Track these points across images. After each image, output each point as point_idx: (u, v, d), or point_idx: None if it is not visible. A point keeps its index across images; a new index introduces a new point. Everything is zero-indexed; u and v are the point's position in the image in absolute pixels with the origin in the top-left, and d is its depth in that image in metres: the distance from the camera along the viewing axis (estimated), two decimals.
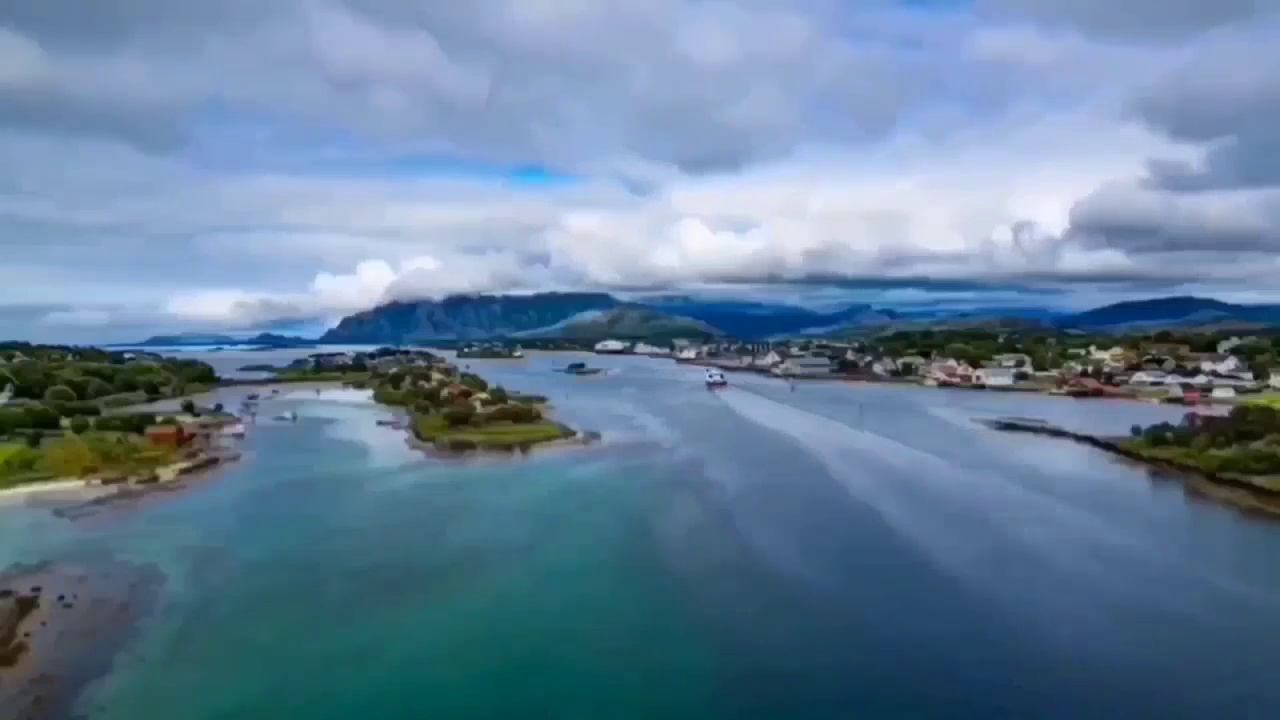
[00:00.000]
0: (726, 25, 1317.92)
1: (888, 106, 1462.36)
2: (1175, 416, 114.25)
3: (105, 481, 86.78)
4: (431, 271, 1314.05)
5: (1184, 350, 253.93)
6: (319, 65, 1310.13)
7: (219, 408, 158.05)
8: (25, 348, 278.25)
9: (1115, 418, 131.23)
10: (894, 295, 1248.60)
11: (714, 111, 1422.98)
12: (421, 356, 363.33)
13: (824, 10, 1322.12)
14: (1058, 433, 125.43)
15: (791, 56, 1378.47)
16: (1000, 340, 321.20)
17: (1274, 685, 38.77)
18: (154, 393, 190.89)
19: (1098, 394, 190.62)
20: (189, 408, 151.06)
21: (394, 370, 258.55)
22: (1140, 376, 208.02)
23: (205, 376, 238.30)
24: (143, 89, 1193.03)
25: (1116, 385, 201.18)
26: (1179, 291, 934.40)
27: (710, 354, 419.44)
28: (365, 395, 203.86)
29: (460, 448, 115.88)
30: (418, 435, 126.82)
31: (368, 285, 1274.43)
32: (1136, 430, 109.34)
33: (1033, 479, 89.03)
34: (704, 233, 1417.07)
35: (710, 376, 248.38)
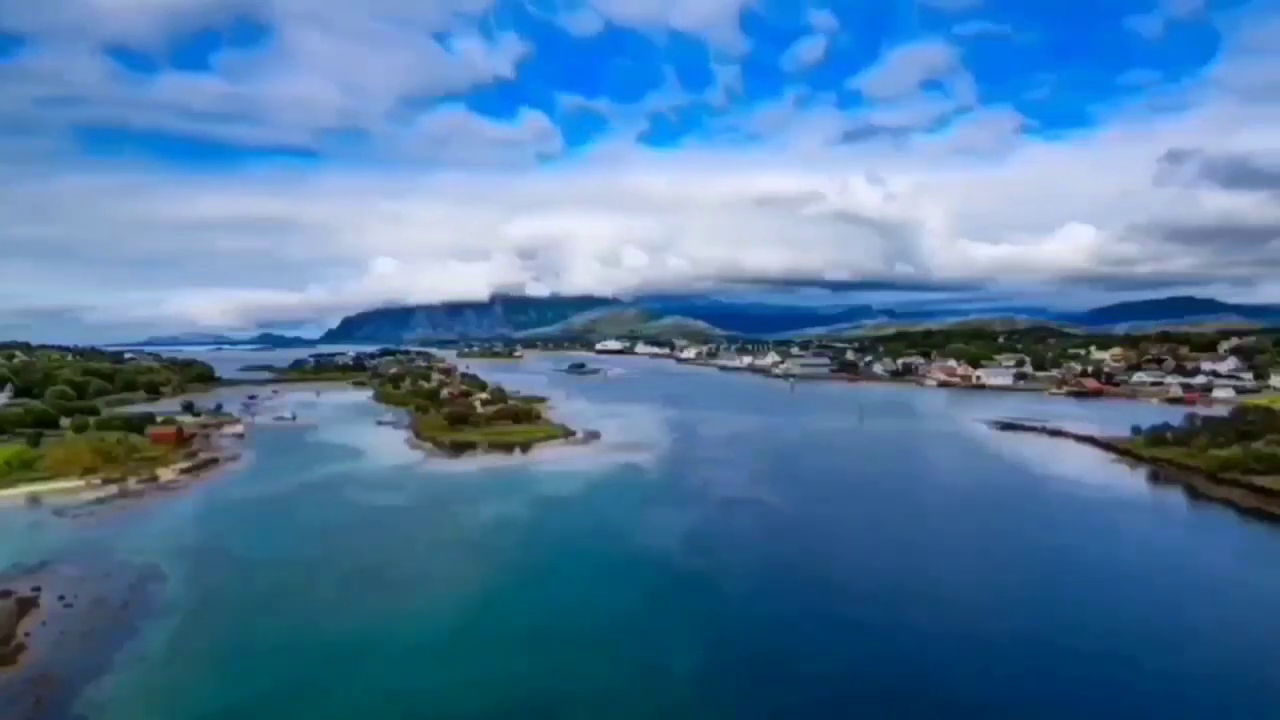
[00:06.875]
0: None
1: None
2: (1175, 416, 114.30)
3: (105, 481, 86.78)
4: (432, 271, 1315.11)
5: (1184, 350, 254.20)
6: None
7: (219, 408, 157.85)
8: (25, 348, 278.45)
9: (1115, 418, 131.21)
10: (894, 295, 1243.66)
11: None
12: (421, 356, 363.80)
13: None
14: (1057, 433, 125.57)
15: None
16: (1000, 340, 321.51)
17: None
18: (154, 393, 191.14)
19: (1098, 394, 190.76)
20: (189, 408, 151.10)
21: (394, 370, 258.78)
22: (1140, 376, 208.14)
23: (205, 376, 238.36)
24: None
25: (1116, 385, 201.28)
26: (1179, 291, 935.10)
27: (710, 354, 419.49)
28: (365, 395, 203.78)
29: (460, 447, 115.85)
30: (418, 435, 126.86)
31: (368, 285, 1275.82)
32: (1136, 430, 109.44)
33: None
34: (703, 230, 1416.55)
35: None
